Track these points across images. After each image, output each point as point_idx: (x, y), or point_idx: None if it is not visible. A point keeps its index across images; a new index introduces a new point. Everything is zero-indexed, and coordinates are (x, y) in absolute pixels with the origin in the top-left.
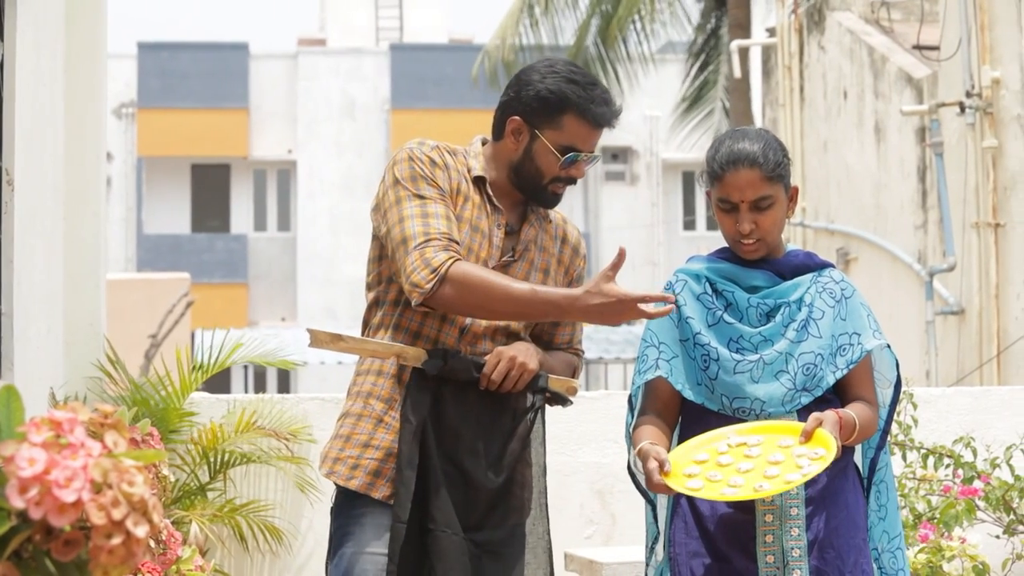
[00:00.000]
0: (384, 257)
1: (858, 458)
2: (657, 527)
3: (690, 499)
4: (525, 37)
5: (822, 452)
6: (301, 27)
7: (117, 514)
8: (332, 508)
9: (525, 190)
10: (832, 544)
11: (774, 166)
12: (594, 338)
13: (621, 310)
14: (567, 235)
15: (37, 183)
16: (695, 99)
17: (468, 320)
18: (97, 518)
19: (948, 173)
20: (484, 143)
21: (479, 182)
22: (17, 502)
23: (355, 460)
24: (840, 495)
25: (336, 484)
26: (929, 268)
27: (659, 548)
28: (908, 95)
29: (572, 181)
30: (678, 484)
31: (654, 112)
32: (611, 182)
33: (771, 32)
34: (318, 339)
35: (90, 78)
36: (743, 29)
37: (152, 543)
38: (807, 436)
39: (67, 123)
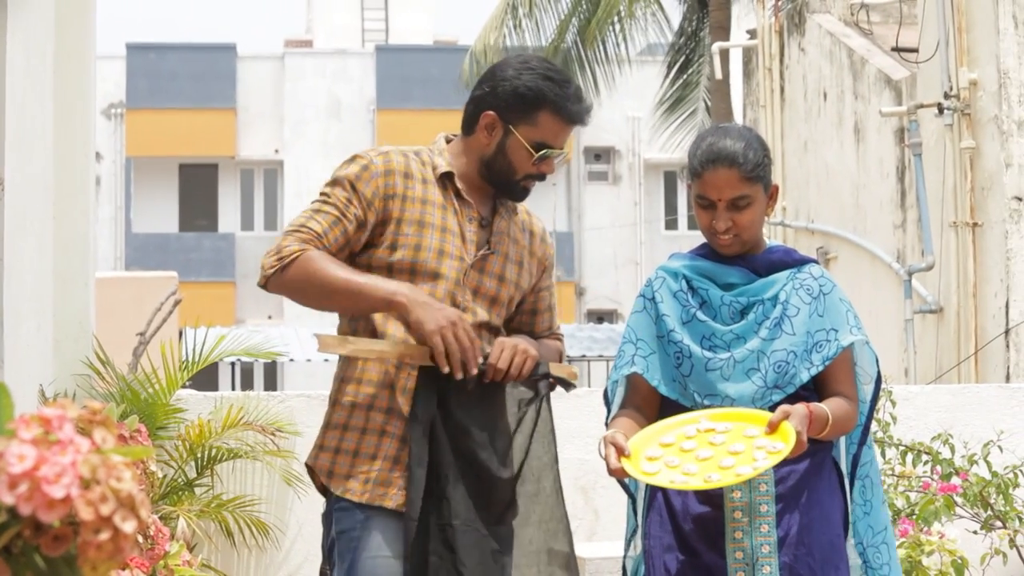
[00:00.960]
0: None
1: (841, 454)
2: (636, 520)
3: (664, 493)
4: (509, 39)
5: (780, 446)
6: (288, 28)
7: (105, 510)
8: (326, 514)
9: (496, 184)
10: (803, 541)
11: (753, 166)
12: (577, 336)
13: (441, 324)
14: (533, 228)
15: (27, 183)
16: (677, 100)
17: None
18: (85, 514)
19: (926, 173)
20: (449, 140)
21: (446, 178)
22: (6, 498)
23: (365, 474)
24: (813, 492)
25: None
26: (908, 267)
27: (637, 541)
28: (887, 96)
29: (543, 177)
30: (634, 468)
31: (636, 113)
32: (593, 182)
33: (751, 34)
34: (325, 344)
35: (79, 79)
36: (724, 31)
37: (140, 538)
38: (772, 428)
39: (56, 123)
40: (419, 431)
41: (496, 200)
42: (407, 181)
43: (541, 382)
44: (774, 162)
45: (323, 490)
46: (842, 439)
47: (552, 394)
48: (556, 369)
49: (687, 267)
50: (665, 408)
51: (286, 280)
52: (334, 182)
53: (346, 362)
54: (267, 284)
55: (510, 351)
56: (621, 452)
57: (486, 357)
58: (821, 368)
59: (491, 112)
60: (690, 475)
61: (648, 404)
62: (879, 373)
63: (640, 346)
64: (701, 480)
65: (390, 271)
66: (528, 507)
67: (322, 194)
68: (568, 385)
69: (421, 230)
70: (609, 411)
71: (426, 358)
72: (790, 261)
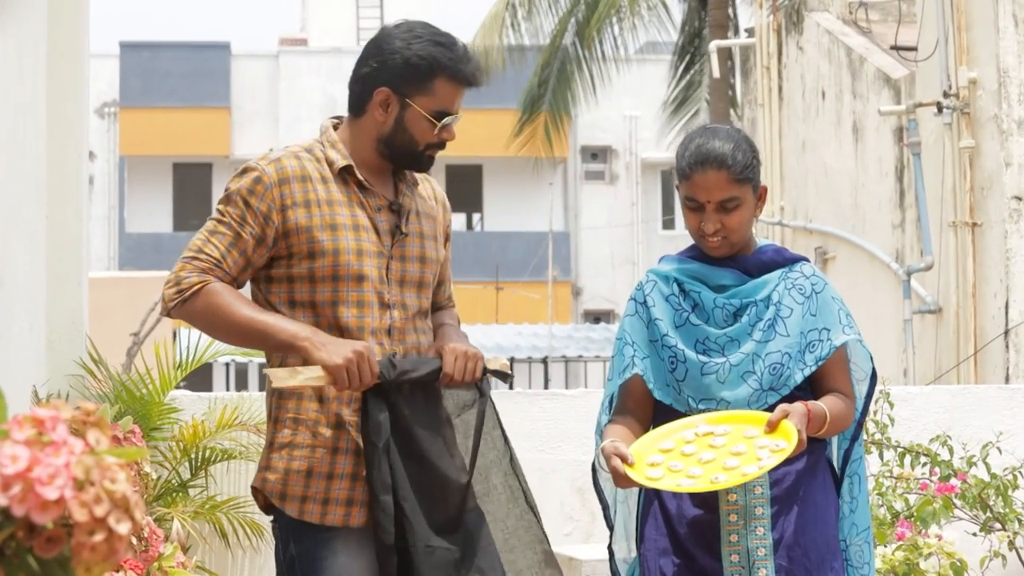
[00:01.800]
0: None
1: (833, 452)
2: (611, 524)
3: (659, 497)
4: (507, 38)
5: (783, 444)
6: (282, 27)
7: (99, 511)
8: (280, 529)
9: (398, 160)
10: (799, 543)
11: (742, 168)
12: (574, 336)
13: (344, 355)
14: (435, 193)
15: (19, 182)
16: (682, 100)
17: (389, 317)
18: (79, 515)
19: (925, 173)
20: (336, 127)
21: (345, 171)
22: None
23: (324, 495)
24: (808, 493)
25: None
26: (907, 267)
27: (622, 544)
28: (886, 95)
29: (443, 145)
30: (638, 475)
31: (633, 111)
32: (590, 182)
33: (750, 32)
34: (278, 378)
35: (72, 77)
36: (724, 29)
37: (134, 540)
38: (771, 427)
39: (49, 122)
40: (377, 456)
41: (395, 177)
42: (305, 185)
43: (483, 383)
44: (771, 162)
45: (269, 509)
46: (835, 436)
47: (545, 399)
48: (491, 363)
49: (678, 270)
50: (658, 413)
51: (188, 313)
52: (227, 199)
53: None
54: (169, 314)
55: (462, 359)
56: (624, 460)
57: (439, 368)
58: (814, 368)
59: (384, 88)
60: (695, 478)
61: (642, 408)
62: (874, 370)
63: (637, 349)
64: (708, 482)
65: (312, 280)
66: (482, 507)
67: (217, 211)
68: (505, 376)
69: (335, 233)
70: (608, 415)
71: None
72: (781, 260)
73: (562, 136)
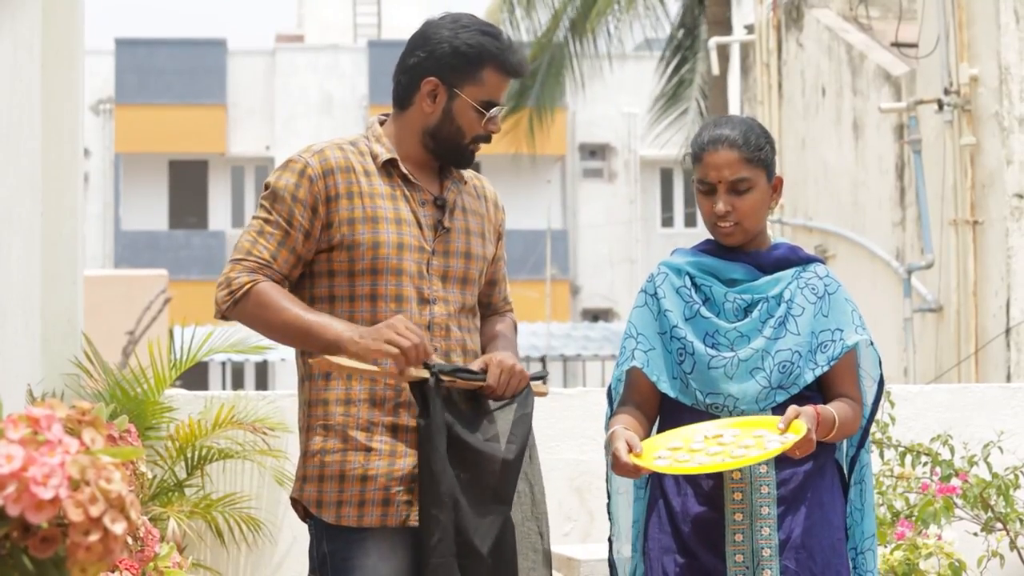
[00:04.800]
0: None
1: (843, 455)
2: (612, 520)
3: (664, 495)
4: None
5: (791, 437)
6: (279, 23)
7: (95, 511)
8: (315, 532)
9: (444, 154)
10: (804, 544)
11: (754, 148)
12: (572, 335)
13: (383, 335)
14: (486, 193)
15: (14, 179)
16: (672, 96)
17: (429, 313)
18: (75, 515)
19: (926, 170)
20: (383, 122)
21: (390, 165)
22: None
23: (359, 497)
24: (815, 494)
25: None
26: (907, 265)
27: (620, 546)
28: (886, 92)
29: (489, 138)
30: (646, 462)
31: (631, 109)
32: (589, 179)
33: (749, 29)
34: (329, 365)
35: (67, 74)
36: (722, 26)
37: (130, 540)
38: (787, 425)
39: (44, 119)
40: (435, 456)
41: (440, 175)
42: (349, 177)
43: (529, 399)
44: (778, 152)
45: (307, 516)
46: (843, 441)
47: (543, 398)
48: (535, 388)
49: (690, 263)
50: (665, 407)
51: (240, 314)
52: (273, 195)
53: (307, 384)
54: (224, 317)
55: (507, 374)
56: (631, 449)
57: (483, 378)
58: (826, 368)
59: (432, 78)
60: (704, 464)
61: (647, 402)
62: (882, 376)
63: (640, 341)
64: (719, 463)
65: (351, 274)
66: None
67: (263, 208)
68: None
69: (376, 226)
70: (611, 409)
71: (422, 375)
72: (795, 259)
73: (550, 131)
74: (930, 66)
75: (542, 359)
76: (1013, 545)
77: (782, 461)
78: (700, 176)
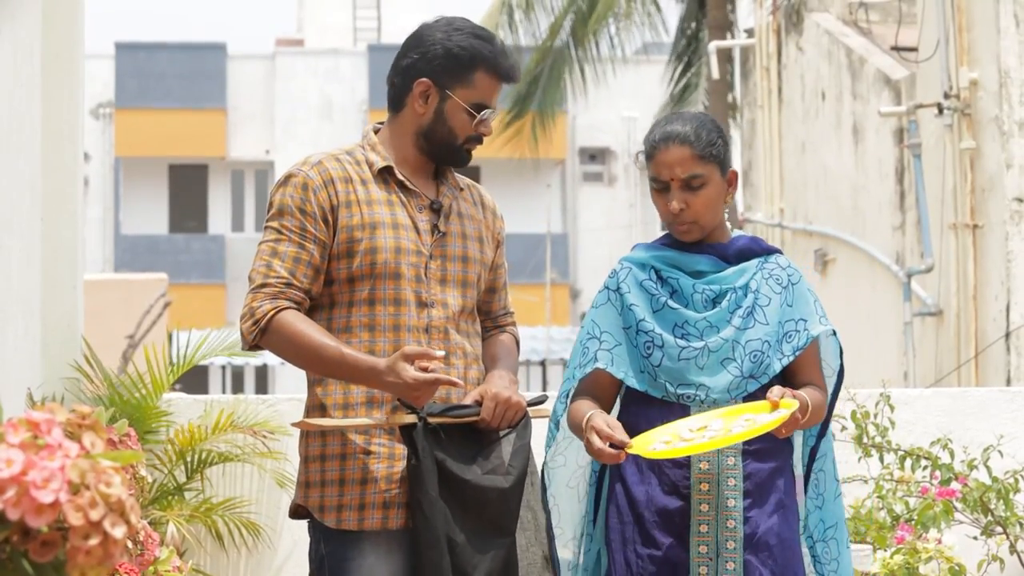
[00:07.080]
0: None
1: (796, 454)
2: (552, 514)
3: (624, 483)
4: (505, 38)
5: (784, 412)
6: (279, 27)
7: (95, 515)
8: (314, 534)
9: (437, 155)
10: (768, 542)
11: (706, 144)
12: (572, 339)
13: (413, 392)
14: (484, 200)
15: (14, 184)
16: (678, 101)
17: (427, 316)
18: (75, 519)
19: (926, 174)
20: (377, 131)
21: (386, 172)
22: None
23: (359, 500)
24: (778, 494)
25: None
26: (907, 269)
27: (561, 547)
28: (886, 96)
29: (481, 140)
30: (638, 449)
31: (632, 113)
32: (589, 183)
33: (749, 33)
34: (309, 427)
35: (67, 78)
36: (723, 30)
37: (129, 544)
38: (775, 405)
39: (44, 123)
40: (428, 485)
41: (437, 180)
42: (347, 186)
43: (528, 428)
44: (770, 164)
45: (309, 520)
46: (798, 434)
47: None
48: (534, 412)
49: (655, 257)
50: (631, 403)
51: (269, 345)
52: (280, 212)
53: (309, 390)
54: (254, 347)
55: (502, 407)
56: (621, 443)
57: (477, 411)
58: (792, 358)
59: (424, 79)
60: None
61: (606, 397)
62: (842, 366)
63: (605, 339)
64: (719, 437)
65: (351, 281)
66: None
67: (271, 229)
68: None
69: (373, 232)
70: (565, 406)
71: (412, 419)
72: (758, 249)
73: (551, 136)
74: (930, 70)
75: (542, 363)
76: (1013, 549)
77: (748, 455)
78: (653, 174)
